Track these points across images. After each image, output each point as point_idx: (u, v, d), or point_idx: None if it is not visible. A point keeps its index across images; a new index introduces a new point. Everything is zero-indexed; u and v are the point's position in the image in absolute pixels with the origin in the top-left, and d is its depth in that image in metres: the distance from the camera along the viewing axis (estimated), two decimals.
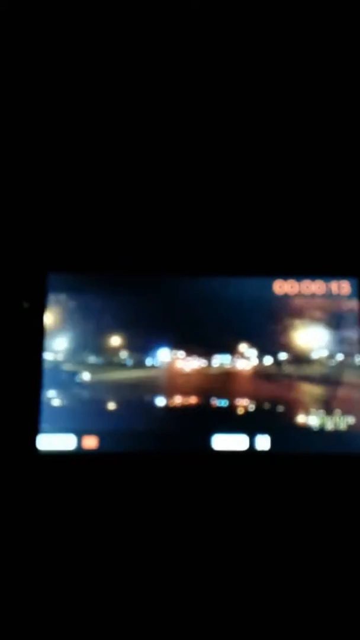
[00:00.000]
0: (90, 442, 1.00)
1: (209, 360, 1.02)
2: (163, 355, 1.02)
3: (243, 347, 1.02)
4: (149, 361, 1.02)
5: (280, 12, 0.87)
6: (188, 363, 1.02)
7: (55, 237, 1.05)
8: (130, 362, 1.02)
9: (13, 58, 0.93)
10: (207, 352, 1.02)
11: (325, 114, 1.02)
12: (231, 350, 1.02)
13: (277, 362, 1.02)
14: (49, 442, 0.99)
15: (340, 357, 1.03)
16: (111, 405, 1.01)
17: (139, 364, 1.02)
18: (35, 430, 0.99)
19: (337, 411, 1.01)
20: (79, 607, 0.89)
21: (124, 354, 1.02)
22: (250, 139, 1.04)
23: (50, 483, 0.96)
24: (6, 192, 1.05)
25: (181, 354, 1.02)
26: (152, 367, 1.02)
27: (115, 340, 1.03)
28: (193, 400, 1.01)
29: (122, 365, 1.02)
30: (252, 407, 1.01)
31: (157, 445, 0.99)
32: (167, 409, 1.01)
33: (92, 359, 1.02)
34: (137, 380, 1.01)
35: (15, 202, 1.05)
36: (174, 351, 1.02)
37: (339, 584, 0.91)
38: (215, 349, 1.02)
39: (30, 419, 0.99)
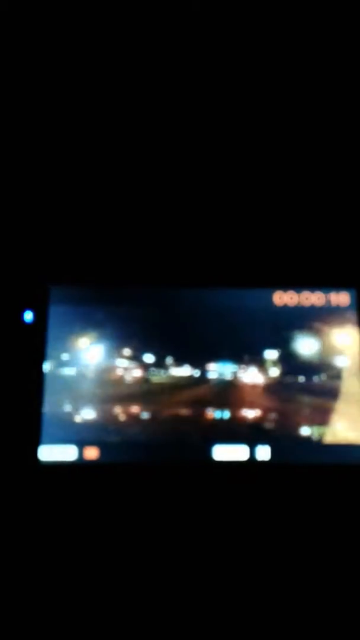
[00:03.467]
0: (92, 453, 1.00)
1: (204, 371, 1.03)
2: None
3: (240, 358, 1.03)
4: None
5: (280, 12, 0.87)
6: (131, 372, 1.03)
7: (56, 251, 1.05)
8: None
9: (12, 58, 0.93)
10: (204, 363, 1.03)
11: (324, 123, 1.02)
12: (230, 360, 1.03)
13: (276, 374, 1.03)
14: (50, 453, 1.00)
15: (339, 368, 1.03)
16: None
17: None
18: (36, 442, 0.99)
19: (337, 422, 1.02)
20: (79, 616, 0.90)
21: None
22: (250, 148, 1.04)
23: (52, 494, 0.97)
24: (7, 206, 1.05)
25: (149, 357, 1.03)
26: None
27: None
28: (188, 412, 1.02)
29: None
30: (252, 419, 1.02)
31: (158, 455, 1.00)
32: (165, 420, 1.01)
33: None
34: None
35: (16, 216, 1.05)
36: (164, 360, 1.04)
37: (338, 593, 0.92)
38: (213, 360, 1.03)
39: (32, 430, 0.99)
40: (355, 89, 0.98)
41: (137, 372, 1.03)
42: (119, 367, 1.03)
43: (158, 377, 1.03)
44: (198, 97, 0.99)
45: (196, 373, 1.03)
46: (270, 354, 1.03)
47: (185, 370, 1.03)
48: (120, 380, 1.03)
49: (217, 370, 1.03)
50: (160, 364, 1.03)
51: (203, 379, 1.03)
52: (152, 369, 1.03)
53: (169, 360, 1.03)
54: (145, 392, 1.02)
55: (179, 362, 1.03)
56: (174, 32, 0.90)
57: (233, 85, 0.97)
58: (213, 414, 1.02)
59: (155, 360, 1.03)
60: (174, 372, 1.03)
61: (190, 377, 1.03)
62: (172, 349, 1.03)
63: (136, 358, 1.03)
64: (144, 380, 1.03)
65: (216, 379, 1.03)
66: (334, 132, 1.03)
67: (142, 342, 1.03)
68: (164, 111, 1.00)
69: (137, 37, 0.90)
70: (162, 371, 1.03)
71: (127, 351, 1.03)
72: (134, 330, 1.04)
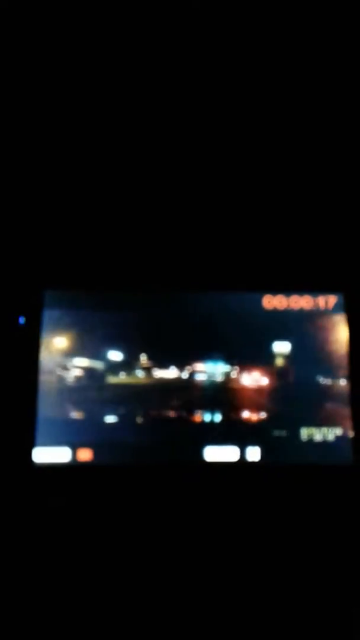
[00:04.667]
0: (85, 455, 1.01)
1: (194, 373, 1.04)
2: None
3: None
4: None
5: (280, 11, 0.88)
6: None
7: (50, 254, 1.06)
8: None
9: (12, 58, 0.93)
10: (193, 365, 1.04)
11: (320, 126, 1.03)
12: (221, 362, 1.05)
13: (265, 376, 1.05)
14: (44, 454, 1.01)
15: (329, 369, 1.05)
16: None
17: None
18: (30, 444, 1.00)
19: (325, 423, 1.03)
20: (75, 617, 0.90)
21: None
22: (241, 153, 1.05)
23: (46, 495, 0.98)
24: (1, 209, 1.06)
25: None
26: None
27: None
28: (180, 414, 1.03)
29: None
30: (243, 420, 1.03)
31: (150, 457, 1.01)
32: (156, 421, 1.03)
33: None
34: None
35: (10, 219, 1.06)
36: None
37: (330, 592, 0.93)
38: (203, 362, 1.04)
39: (26, 432, 1.00)
40: (354, 90, 0.99)
41: (129, 374, 1.04)
42: (110, 369, 1.04)
43: (149, 379, 1.04)
44: (194, 101, 0.99)
45: (185, 375, 1.04)
46: (258, 357, 1.05)
47: (175, 372, 1.04)
48: (111, 382, 1.04)
49: (207, 371, 1.04)
50: (151, 366, 1.04)
51: (193, 381, 1.04)
52: (143, 371, 1.04)
53: (158, 362, 1.04)
54: (137, 394, 1.03)
55: (168, 364, 1.04)
56: (174, 29, 0.90)
57: (231, 87, 0.98)
58: (204, 416, 1.03)
59: (146, 362, 1.04)
60: (164, 374, 1.04)
61: (180, 379, 1.04)
62: (162, 351, 1.04)
63: (126, 361, 1.04)
64: (135, 382, 1.04)
65: (206, 381, 1.04)
66: (326, 138, 1.04)
67: (134, 345, 1.05)
68: (159, 114, 1.01)
69: (137, 35, 0.90)
70: (153, 373, 1.04)
71: (118, 354, 1.05)
72: (125, 333, 1.05)
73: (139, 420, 1.02)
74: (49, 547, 0.94)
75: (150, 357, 1.04)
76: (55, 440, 1.01)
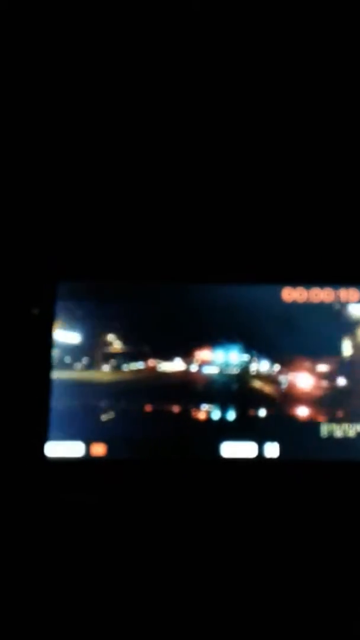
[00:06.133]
0: (99, 449, 1.00)
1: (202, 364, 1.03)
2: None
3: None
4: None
5: (280, 11, 0.88)
6: None
7: (63, 246, 1.05)
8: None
9: (13, 58, 0.93)
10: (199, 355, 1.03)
11: (328, 119, 1.02)
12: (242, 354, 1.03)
13: (287, 370, 1.03)
14: (57, 449, 0.99)
15: (348, 364, 1.03)
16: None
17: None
18: (44, 438, 0.99)
19: (346, 418, 1.01)
20: (84, 612, 0.89)
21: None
22: (255, 145, 1.04)
23: (58, 490, 0.97)
24: (15, 202, 1.05)
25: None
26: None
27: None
28: (195, 408, 1.02)
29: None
30: (261, 415, 1.01)
31: (165, 452, 0.99)
32: (172, 416, 1.01)
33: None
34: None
35: (24, 211, 1.06)
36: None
37: (346, 589, 0.91)
38: (222, 353, 1.03)
39: (39, 427, 0.99)
40: (354, 86, 0.98)
41: (142, 366, 1.03)
42: (124, 362, 1.03)
43: (165, 372, 1.02)
44: (206, 92, 0.98)
45: (194, 368, 1.02)
46: (279, 350, 1.02)
47: (182, 365, 1.02)
48: (126, 376, 1.02)
49: (220, 362, 1.02)
50: (168, 358, 1.03)
51: (207, 373, 1.02)
52: (162, 363, 1.02)
53: (179, 355, 1.03)
54: (153, 388, 1.02)
55: (188, 356, 1.03)
56: (174, 31, 0.90)
57: (234, 81, 0.97)
58: (221, 412, 1.01)
59: (165, 355, 1.03)
60: (171, 366, 1.02)
61: (190, 372, 1.02)
62: (180, 344, 1.03)
63: (143, 352, 1.03)
64: (153, 375, 1.02)
65: (219, 374, 1.02)
66: (339, 130, 1.03)
67: (150, 337, 1.03)
68: (169, 107, 1.00)
69: (137, 35, 0.90)
70: (169, 365, 1.03)
71: (133, 346, 1.03)
72: (141, 325, 1.03)
73: (155, 414, 1.01)
74: (63, 543, 0.93)
75: (159, 349, 1.03)
76: (69, 435, 0.99)
